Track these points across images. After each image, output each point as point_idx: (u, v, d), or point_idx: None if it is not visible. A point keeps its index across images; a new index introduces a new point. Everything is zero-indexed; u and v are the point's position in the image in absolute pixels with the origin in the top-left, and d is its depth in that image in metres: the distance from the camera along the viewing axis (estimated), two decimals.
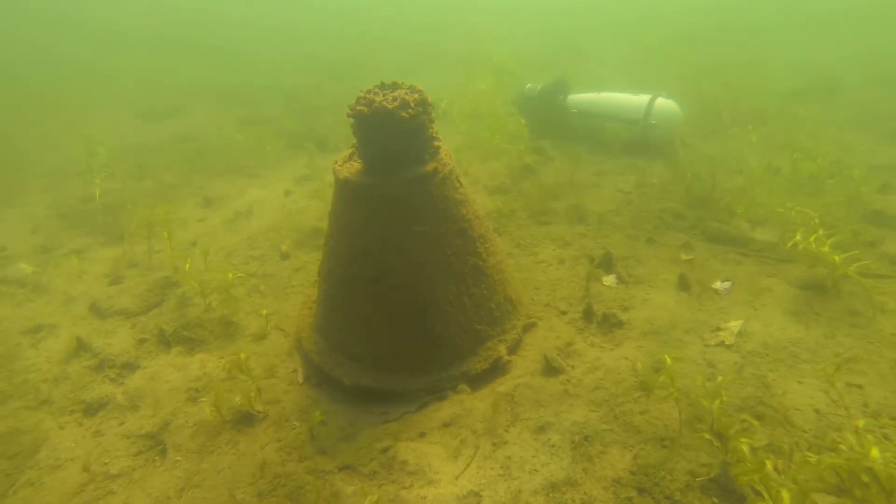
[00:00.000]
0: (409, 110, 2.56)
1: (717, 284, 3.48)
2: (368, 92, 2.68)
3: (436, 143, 2.83)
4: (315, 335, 3.22)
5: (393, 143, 2.63)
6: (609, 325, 3.23)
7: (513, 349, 3.09)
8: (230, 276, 3.38)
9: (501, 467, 2.39)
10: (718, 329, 3.10)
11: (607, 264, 3.75)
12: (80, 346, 3.29)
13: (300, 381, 3.09)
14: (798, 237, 3.29)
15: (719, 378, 2.43)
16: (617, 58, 10.91)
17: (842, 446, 2.08)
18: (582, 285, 3.57)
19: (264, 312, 3.45)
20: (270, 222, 4.83)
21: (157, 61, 14.60)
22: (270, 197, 5.33)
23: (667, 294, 3.45)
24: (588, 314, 3.30)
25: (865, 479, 1.79)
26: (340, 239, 2.90)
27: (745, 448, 2.08)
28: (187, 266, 3.53)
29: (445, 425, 2.68)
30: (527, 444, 2.50)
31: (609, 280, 3.64)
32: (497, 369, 2.97)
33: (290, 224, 4.78)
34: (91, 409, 2.89)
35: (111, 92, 11.62)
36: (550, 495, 2.21)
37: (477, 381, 2.92)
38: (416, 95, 2.62)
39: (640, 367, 2.78)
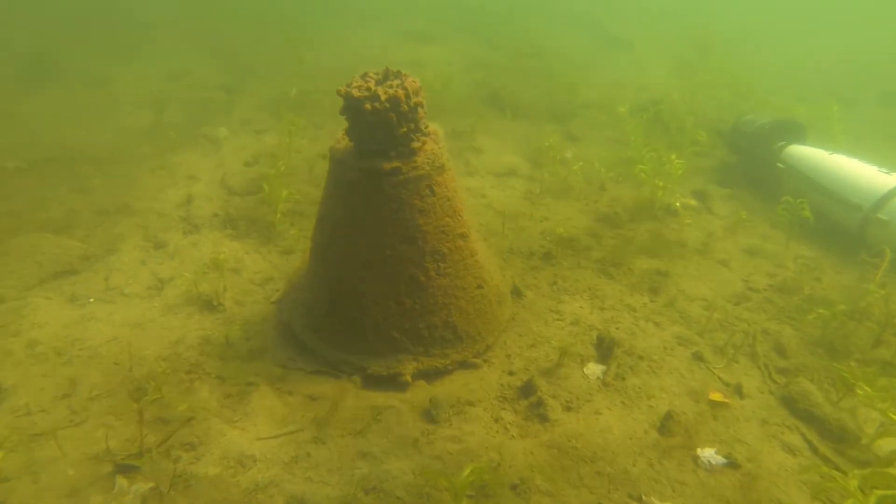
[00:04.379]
0: (376, 104, 2.51)
1: (707, 452, 2.53)
2: (363, 76, 2.69)
3: (413, 145, 2.70)
4: (304, 269, 3.62)
5: (360, 131, 2.64)
6: (535, 414, 2.75)
7: (427, 376, 2.95)
8: (284, 193, 3.97)
9: (293, 457, 2.48)
10: (639, 499, 2.34)
11: (606, 352, 3.05)
12: (188, 201, 4.42)
13: (272, 300, 3.59)
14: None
15: None
16: None
17: None
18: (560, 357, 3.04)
19: (293, 231, 4.00)
20: None
21: None
22: None
23: (633, 424, 2.68)
24: (527, 390, 2.86)
25: None
26: (322, 200, 3.13)
27: None
28: (273, 171, 4.25)
29: (312, 398, 2.85)
30: (338, 456, 2.50)
31: (592, 370, 2.99)
32: (395, 383, 2.91)
33: None
34: (158, 245, 3.96)
35: (384, 11, 13.15)
36: None
37: (372, 382, 2.93)
38: (392, 91, 2.52)
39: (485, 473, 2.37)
